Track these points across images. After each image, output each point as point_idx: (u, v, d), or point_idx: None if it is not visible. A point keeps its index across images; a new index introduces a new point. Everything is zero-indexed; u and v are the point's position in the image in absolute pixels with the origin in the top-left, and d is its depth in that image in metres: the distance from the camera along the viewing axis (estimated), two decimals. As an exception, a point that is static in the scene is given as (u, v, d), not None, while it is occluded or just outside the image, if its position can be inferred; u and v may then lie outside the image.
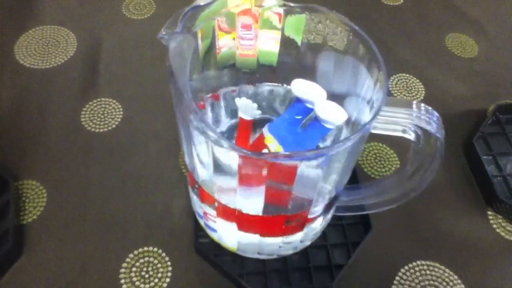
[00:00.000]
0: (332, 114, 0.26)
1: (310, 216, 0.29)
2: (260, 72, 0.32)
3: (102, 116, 0.43)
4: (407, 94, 0.48)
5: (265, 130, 0.29)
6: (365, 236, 0.36)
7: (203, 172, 0.27)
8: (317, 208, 0.29)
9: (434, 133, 0.23)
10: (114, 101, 0.44)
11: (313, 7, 0.28)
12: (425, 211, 0.39)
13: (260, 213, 0.27)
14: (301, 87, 0.28)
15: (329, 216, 0.33)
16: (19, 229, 0.35)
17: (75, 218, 0.36)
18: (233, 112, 0.32)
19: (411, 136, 0.24)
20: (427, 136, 0.24)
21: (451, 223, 0.38)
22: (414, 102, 0.23)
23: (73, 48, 0.48)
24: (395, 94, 0.48)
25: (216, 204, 0.28)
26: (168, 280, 0.33)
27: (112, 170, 0.39)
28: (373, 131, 0.24)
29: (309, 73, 0.30)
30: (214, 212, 0.30)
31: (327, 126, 0.27)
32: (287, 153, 0.24)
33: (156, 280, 0.33)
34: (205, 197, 0.29)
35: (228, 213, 0.29)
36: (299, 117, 0.29)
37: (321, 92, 0.28)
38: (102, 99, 0.44)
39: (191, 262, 0.34)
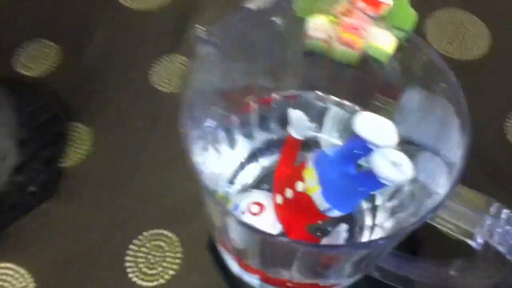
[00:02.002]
0: (393, 172, 0.20)
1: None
2: (331, 79, 0.26)
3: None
4: None
5: (310, 160, 0.24)
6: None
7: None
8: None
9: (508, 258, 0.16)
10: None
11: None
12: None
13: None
14: (367, 124, 0.22)
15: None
16: (55, 170, 0.34)
17: (113, 178, 0.35)
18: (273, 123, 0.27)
19: (475, 244, 0.18)
20: (498, 257, 0.17)
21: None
22: (495, 205, 0.17)
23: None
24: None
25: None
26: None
27: (170, 139, 0.37)
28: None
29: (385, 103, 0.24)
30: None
31: (384, 182, 0.21)
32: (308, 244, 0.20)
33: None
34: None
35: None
36: (356, 151, 0.23)
37: (392, 135, 0.22)
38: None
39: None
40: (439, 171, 0.20)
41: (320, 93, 0.26)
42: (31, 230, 0.32)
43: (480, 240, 0.17)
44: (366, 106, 0.25)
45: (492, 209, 0.17)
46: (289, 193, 0.24)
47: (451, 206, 0.17)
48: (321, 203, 0.23)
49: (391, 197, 0.25)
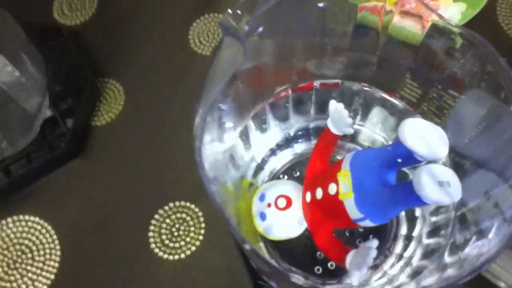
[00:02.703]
0: (437, 192, 0.18)
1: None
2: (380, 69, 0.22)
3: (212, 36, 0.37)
4: None
5: (347, 160, 0.21)
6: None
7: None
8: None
9: None
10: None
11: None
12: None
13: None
14: (415, 131, 0.19)
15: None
16: (85, 128, 0.34)
17: (142, 142, 0.34)
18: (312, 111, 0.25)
19: None
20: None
21: None
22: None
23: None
24: None
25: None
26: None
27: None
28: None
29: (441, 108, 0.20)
30: None
31: (424, 200, 0.18)
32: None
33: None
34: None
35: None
36: (399, 160, 0.20)
37: (442, 146, 0.19)
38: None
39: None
40: (498, 194, 0.17)
41: (365, 85, 0.23)
42: (59, 187, 0.32)
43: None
44: (417, 106, 0.22)
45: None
46: (319, 193, 0.22)
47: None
48: (354, 211, 0.21)
49: (435, 211, 0.23)
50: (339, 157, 0.25)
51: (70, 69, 0.34)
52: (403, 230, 0.24)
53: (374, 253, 0.20)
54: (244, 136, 0.23)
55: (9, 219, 0.31)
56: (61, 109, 0.33)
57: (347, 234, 0.26)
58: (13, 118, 0.29)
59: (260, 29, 0.17)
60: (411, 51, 0.20)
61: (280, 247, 0.26)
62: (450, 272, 0.17)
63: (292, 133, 0.26)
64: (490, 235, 0.16)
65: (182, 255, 0.30)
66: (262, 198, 0.24)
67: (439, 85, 0.20)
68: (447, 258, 0.19)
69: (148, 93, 0.35)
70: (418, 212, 0.24)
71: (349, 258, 0.21)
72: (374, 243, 0.20)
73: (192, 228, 0.31)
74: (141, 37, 0.37)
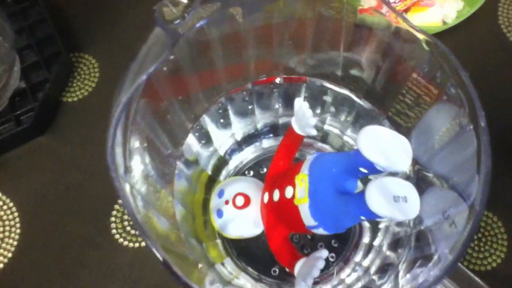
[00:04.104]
0: (389, 208, 0.16)
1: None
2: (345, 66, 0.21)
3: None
4: None
5: (307, 163, 0.20)
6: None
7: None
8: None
9: None
10: None
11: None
12: None
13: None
14: (376, 139, 0.18)
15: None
16: (55, 104, 0.33)
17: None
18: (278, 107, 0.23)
19: None
20: None
21: None
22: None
23: None
24: None
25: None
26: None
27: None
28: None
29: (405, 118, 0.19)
30: None
31: (379, 214, 0.17)
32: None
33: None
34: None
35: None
36: (365, 171, 0.19)
37: (405, 157, 0.18)
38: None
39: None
40: (454, 213, 0.16)
41: (328, 84, 0.21)
42: (23, 163, 0.31)
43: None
44: (386, 109, 0.20)
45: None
46: (276, 195, 0.21)
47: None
48: (308, 218, 0.19)
49: (398, 224, 0.21)
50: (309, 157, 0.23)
51: (43, 40, 0.32)
52: (366, 239, 0.23)
53: (321, 264, 0.18)
54: (198, 133, 0.22)
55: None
56: (33, 82, 0.31)
57: (309, 237, 0.25)
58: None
59: (204, 21, 0.16)
60: (378, 50, 0.18)
61: (237, 246, 0.25)
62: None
63: (259, 127, 0.24)
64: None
65: (143, 243, 0.29)
66: (220, 194, 0.23)
67: (407, 90, 0.19)
68: (401, 281, 0.18)
69: (124, 71, 0.34)
70: (382, 224, 0.23)
71: (298, 266, 0.20)
72: (323, 253, 0.19)
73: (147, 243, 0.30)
74: (120, 12, 0.36)
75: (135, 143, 0.16)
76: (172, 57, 0.17)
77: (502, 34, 0.34)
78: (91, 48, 0.34)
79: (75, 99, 0.33)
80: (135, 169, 0.16)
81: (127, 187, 0.15)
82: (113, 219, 0.30)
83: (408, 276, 0.17)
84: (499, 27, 0.34)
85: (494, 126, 0.17)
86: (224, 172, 0.25)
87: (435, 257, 0.15)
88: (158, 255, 0.15)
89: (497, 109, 0.32)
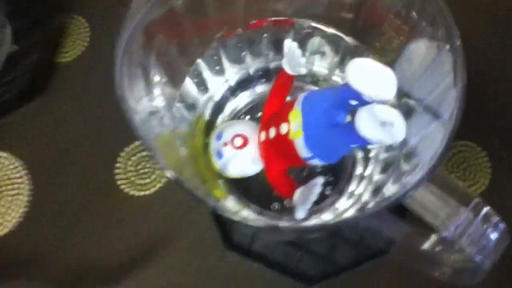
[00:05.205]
0: (378, 133, 0.18)
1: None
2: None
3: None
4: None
5: (299, 100, 0.21)
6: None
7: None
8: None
9: (474, 259, 0.14)
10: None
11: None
12: None
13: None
14: (363, 72, 0.19)
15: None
16: (50, 65, 0.33)
17: (108, 77, 0.33)
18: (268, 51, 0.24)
19: (446, 233, 0.15)
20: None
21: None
22: (475, 201, 0.14)
23: None
24: None
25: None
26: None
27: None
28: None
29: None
30: None
31: (370, 141, 0.19)
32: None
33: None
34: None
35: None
36: (355, 102, 0.20)
37: (390, 87, 0.19)
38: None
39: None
40: (435, 139, 0.18)
41: (314, 23, 0.22)
42: (24, 123, 0.32)
43: (449, 235, 0.15)
44: (369, 45, 0.22)
45: (472, 204, 0.14)
46: (272, 132, 0.22)
47: (429, 192, 0.15)
48: (302, 150, 0.21)
49: (386, 150, 0.23)
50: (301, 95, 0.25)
51: (33, 2, 0.33)
52: (358, 170, 0.25)
53: (318, 189, 0.20)
54: (196, 77, 0.23)
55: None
56: (25, 45, 0.32)
57: (305, 174, 0.26)
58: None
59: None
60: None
61: (239, 185, 0.26)
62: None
63: (251, 72, 0.26)
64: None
65: (148, 192, 0.31)
66: (219, 137, 0.25)
67: (389, 23, 0.20)
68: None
69: (115, 28, 0.34)
70: (372, 153, 0.24)
71: (297, 194, 0.21)
72: (319, 180, 0.21)
73: (158, 166, 0.31)
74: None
75: (140, 81, 0.17)
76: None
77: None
78: (80, 8, 0.35)
79: (68, 59, 0.34)
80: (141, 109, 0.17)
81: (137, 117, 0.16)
82: (117, 170, 0.31)
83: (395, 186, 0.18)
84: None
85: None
86: (220, 118, 0.27)
87: (419, 167, 0.17)
88: (169, 175, 0.16)
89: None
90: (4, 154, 0.32)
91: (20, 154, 0.32)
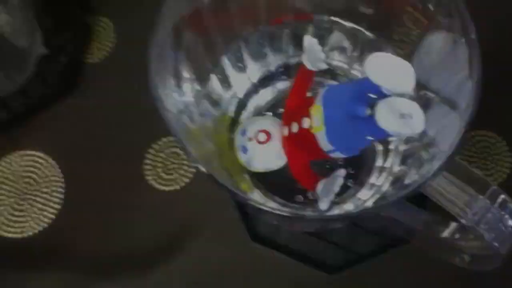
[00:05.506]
0: (397, 124, 0.19)
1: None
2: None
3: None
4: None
5: (320, 95, 0.22)
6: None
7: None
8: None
9: (492, 244, 0.15)
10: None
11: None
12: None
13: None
14: (381, 65, 0.19)
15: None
16: (78, 65, 0.35)
17: (136, 75, 0.34)
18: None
19: (464, 220, 0.16)
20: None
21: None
22: (492, 188, 0.15)
23: None
24: None
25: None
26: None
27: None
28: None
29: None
30: None
31: (389, 133, 0.19)
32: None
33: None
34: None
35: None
36: (374, 96, 0.21)
37: (409, 80, 0.20)
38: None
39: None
40: (452, 129, 0.18)
41: (334, 18, 0.23)
42: (55, 122, 0.34)
43: (468, 222, 0.16)
44: (388, 38, 0.22)
45: (489, 192, 0.15)
46: (295, 127, 0.23)
47: (447, 181, 0.16)
48: (325, 144, 0.22)
49: (405, 142, 0.24)
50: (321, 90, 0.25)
51: (60, 5, 0.34)
52: (379, 162, 0.26)
53: (340, 181, 0.21)
54: (220, 74, 0.24)
55: (16, 154, 0.33)
56: (55, 46, 0.34)
57: (328, 167, 0.27)
58: (6, 56, 0.30)
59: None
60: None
61: (264, 179, 0.27)
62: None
63: (273, 69, 0.26)
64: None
65: (177, 186, 0.32)
66: (243, 132, 0.26)
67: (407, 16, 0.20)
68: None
69: (140, 29, 0.35)
70: (392, 145, 0.25)
71: (320, 185, 0.22)
72: (341, 172, 0.21)
73: (185, 162, 0.33)
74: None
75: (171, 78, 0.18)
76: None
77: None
78: (105, 10, 0.36)
79: (96, 60, 0.35)
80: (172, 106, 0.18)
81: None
82: (146, 167, 0.33)
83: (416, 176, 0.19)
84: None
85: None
86: (244, 115, 0.28)
87: (437, 157, 0.17)
88: (203, 169, 0.17)
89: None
90: (40, 154, 0.33)
91: (53, 153, 0.33)
